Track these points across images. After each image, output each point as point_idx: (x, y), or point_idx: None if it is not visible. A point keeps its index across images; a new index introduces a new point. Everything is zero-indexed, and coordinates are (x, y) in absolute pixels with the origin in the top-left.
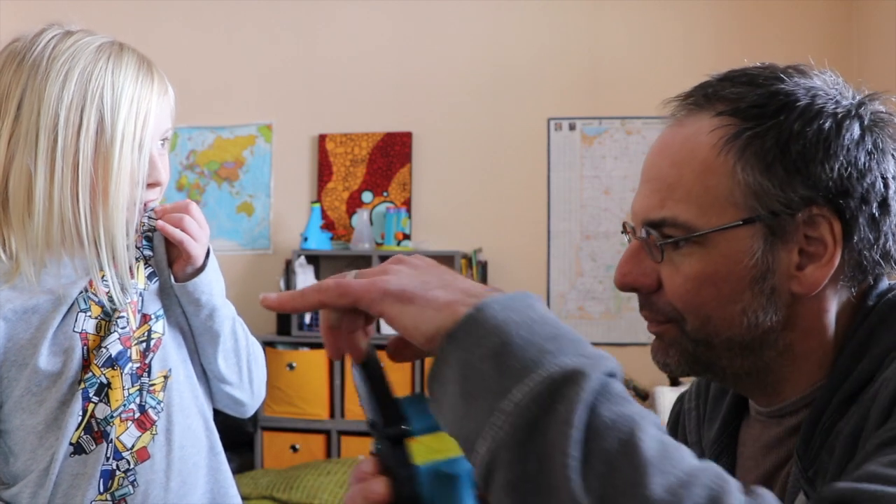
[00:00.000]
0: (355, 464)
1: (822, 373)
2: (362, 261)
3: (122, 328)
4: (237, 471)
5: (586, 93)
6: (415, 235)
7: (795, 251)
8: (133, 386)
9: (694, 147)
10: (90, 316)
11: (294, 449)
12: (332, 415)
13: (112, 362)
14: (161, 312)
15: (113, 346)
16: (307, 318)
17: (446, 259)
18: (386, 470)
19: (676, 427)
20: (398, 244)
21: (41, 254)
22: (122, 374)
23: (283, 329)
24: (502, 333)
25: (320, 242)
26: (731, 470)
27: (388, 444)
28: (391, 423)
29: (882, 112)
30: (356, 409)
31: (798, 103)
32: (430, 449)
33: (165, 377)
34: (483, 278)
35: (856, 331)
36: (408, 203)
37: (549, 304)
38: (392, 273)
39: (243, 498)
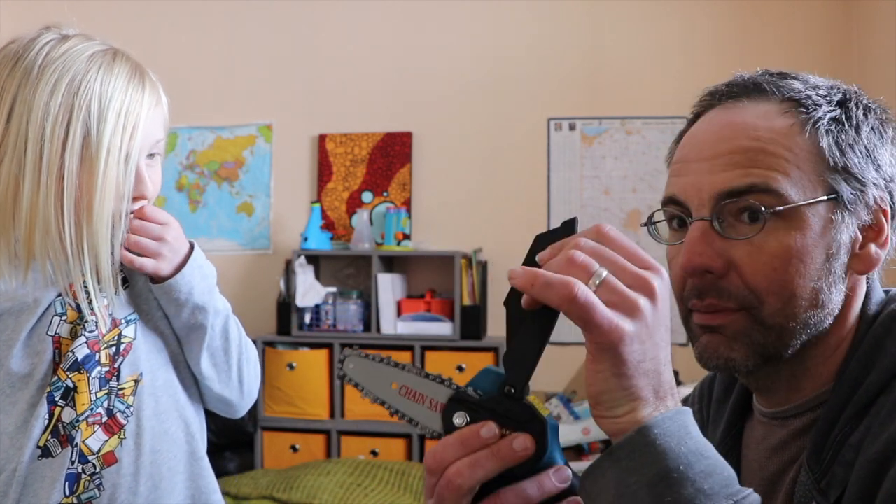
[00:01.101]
0: (356, 463)
1: (827, 376)
2: (362, 261)
3: (91, 332)
4: (237, 471)
5: (586, 93)
6: (415, 235)
7: (859, 231)
8: (101, 390)
9: (771, 126)
10: (65, 320)
11: (294, 449)
12: (332, 415)
13: (78, 366)
14: (133, 317)
15: (80, 350)
16: (307, 318)
17: (446, 259)
18: (515, 428)
19: None
20: (398, 244)
21: (24, 260)
22: (88, 377)
23: (283, 329)
24: (660, 463)
25: (320, 242)
26: (737, 472)
27: (518, 403)
28: (521, 385)
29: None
30: (356, 409)
31: (851, 98)
32: (539, 408)
33: (136, 381)
34: (483, 278)
35: (861, 341)
36: (408, 203)
37: None
38: (636, 317)
39: (243, 498)
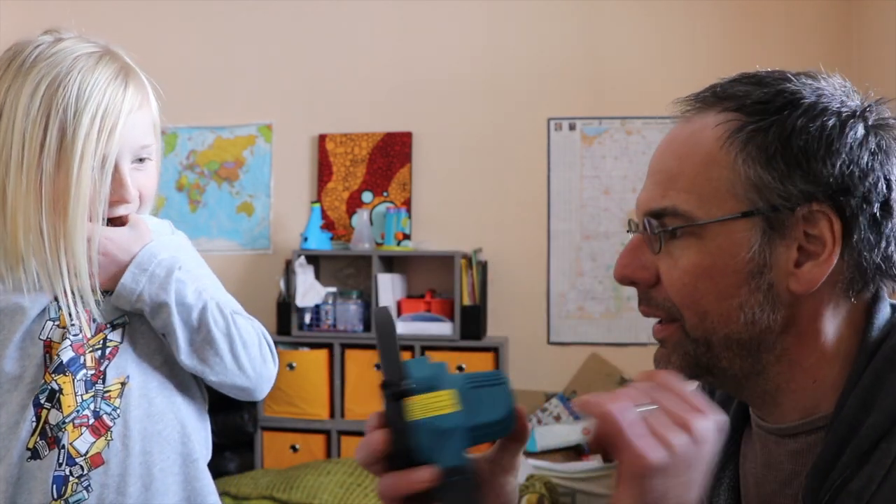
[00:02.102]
0: (356, 463)
1: (821, 394)
2: (362, 261)
3: (75, 335)
4: (237, 471)
5: (586, 93)
6: (415, 235)
7: (794, 248)
8: (87, 392)
9: (698, 141)
10: (58, 325)
11: (294, 449)
12: (332, 415)
13: (63, 368)
14: (121, 321)
15: (64, 353)
16: (307, 318)
17: (446, 259)
18: (386, 424)
19: None
20: (398, 244)
21: (15, 261)
22: (73, 380)
23: (283, 329)
24: None
25: (320, 242)
26: (735, 481)
27: (389, 400)
28: (394, 381)
29: (888, 116)
30: (356, 408)
31: (803, 101)
32: (427, 406)
33: (122, 384)
34: (483, 278)
35: (861, 373)
36: (408, 203)
37: (548, 304)
38: (669, 452)
39: (243, 498)
